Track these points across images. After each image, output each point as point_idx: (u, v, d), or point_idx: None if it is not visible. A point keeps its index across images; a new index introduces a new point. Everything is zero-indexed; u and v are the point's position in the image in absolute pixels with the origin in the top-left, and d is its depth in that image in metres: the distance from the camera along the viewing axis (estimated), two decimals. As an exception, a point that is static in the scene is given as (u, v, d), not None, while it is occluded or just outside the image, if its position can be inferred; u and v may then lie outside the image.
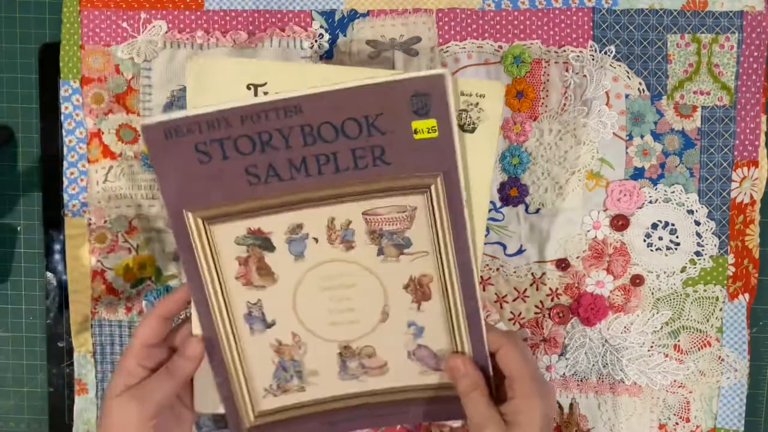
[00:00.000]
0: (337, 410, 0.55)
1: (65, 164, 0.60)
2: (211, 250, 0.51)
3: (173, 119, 0.47)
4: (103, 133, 0.60)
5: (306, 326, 0.53)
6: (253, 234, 0.51)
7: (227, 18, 0.59)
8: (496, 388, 0.52)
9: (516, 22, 0.58)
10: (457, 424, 0.62)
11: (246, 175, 0.49)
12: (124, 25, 0.59)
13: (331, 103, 0.48)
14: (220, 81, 0.52)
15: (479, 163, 0.51)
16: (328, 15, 0.59)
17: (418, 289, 0.53)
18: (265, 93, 0.52)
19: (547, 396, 0.51)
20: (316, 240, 0.51)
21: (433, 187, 0.49)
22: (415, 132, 0.48)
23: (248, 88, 0.52)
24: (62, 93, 0.59)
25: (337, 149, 0.49)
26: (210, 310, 0.52)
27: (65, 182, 0.60)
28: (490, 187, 0.53)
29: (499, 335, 0.52)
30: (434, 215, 0.50)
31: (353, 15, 0.59)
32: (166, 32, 0.59)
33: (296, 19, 0.59)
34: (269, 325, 0.53)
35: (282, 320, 0.53)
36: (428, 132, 0.48)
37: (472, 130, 0.50)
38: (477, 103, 0.50)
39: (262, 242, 0.51)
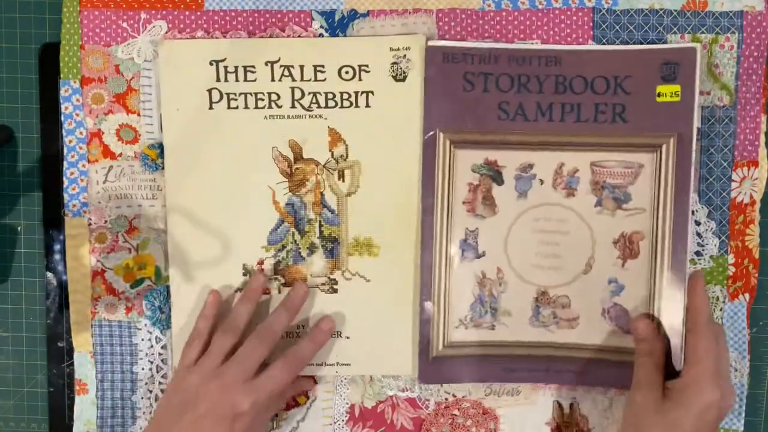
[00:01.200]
0: (519, 357, 0.58)
1: (65, 164, 0.60)
2: (449, 172, 0.56)
3: (455, 45, 0.56)
4: (103, 133, 0.60)
5: (511, 264, 0.56)
6: (489, 165, 0.56)
7: (227, 18, 0.59)
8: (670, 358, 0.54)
9: (516, 22, 0.58)
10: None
11: (498, 110, 0.55)
12: (124, 25, 0.59)
13: (589, 60, 0.55)
14: (188, 60, 0.58)
15: (411, 106, 0.58)
16: (328, 15, 0.59)
17: (627, 246, 0.56)
18: (225, 67, 0.56)
19: (718, 397, 0.51)
20: (542, 182, 0.56)
21: (665, 147, 0.54)
22: (658, 95, 0.54)
23: (211, 64, 0.58)
24: (62, 93, 0.59)
25: (582, 101, 0.55)
26: (433, 230, 0.57)
27: (65, 182, 0.60)
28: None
29: (699, 325, 0.52)
30: (660, 174, 0.55)
31: (353, 15, 0.59)
32: (166, 32, 0.59)
33: (296, 19, 0.59)
34: (479, 256, 0.57)
35: (491, 253, 0.57)
36: (671, 96, 0.54)
37: (404, 79, 0.57)
38: (404, 55, 0.57)
39: (494, 174, 0.56)
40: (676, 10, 0.58)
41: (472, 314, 0.58)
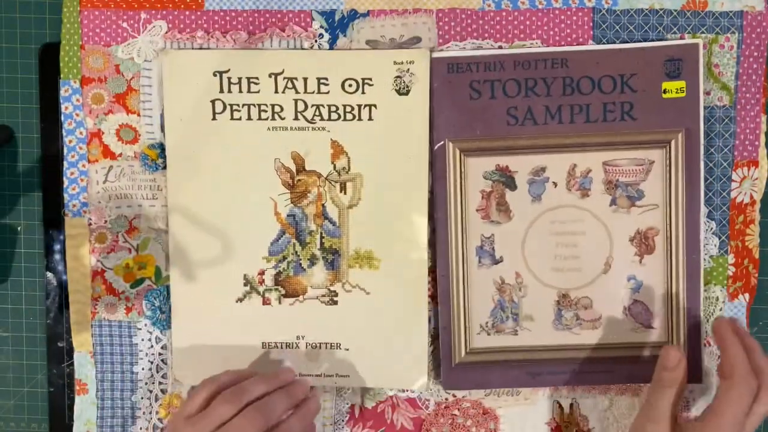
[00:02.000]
0: (544, 361, 0.58)
1: (65, 164, 0.60)
2: (461, 181, 0.57)
3: (459, 55, 0.57)
4: (103, 133, 0.60)
5: (530, 268, 0.57)
6: (500, 171, 0.56)
7: (227, 18, 0.59)
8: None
9: (516, 22, 0.58)
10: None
11: (506, 116, 0.56)
12: (124, 25, 0.59)
13: (594, 60, 0.56)
14: (191, 70, 0.58)
15: (414, 120, 0.58)
16: (328, 15, 0.59)
17: (643, 243, 0.57)
18: (229, 78, 0.57)
19: None
20: (555, 184, 0.57)
21: (673, 142, 0.56)
22: (664, 92, 0.55)
23: (214, 75, 0.58)
24: (62, 93, 0.59)
25: (591, 102, 0.56)
26: (448, 238, 0.57)
27: (65, 182, 0.60)
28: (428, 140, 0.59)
29: (737, 373, 0.51)
30: (671, 169, 0.56)
31: (353, 15, 0.59)
32: (166, 32, 0.59)
33: (296, 19, 0.59)
34: (497, 262, 0.57)
35: (509, 258, 0.57)
36: (676, 92, 0.55)
37: (407, 93, 0.57)
38: (408, 69, 0.57)
39: (507, 180, 0.56)
40: (676, 10, 0.58)
41: (493, 320, 0.58)
